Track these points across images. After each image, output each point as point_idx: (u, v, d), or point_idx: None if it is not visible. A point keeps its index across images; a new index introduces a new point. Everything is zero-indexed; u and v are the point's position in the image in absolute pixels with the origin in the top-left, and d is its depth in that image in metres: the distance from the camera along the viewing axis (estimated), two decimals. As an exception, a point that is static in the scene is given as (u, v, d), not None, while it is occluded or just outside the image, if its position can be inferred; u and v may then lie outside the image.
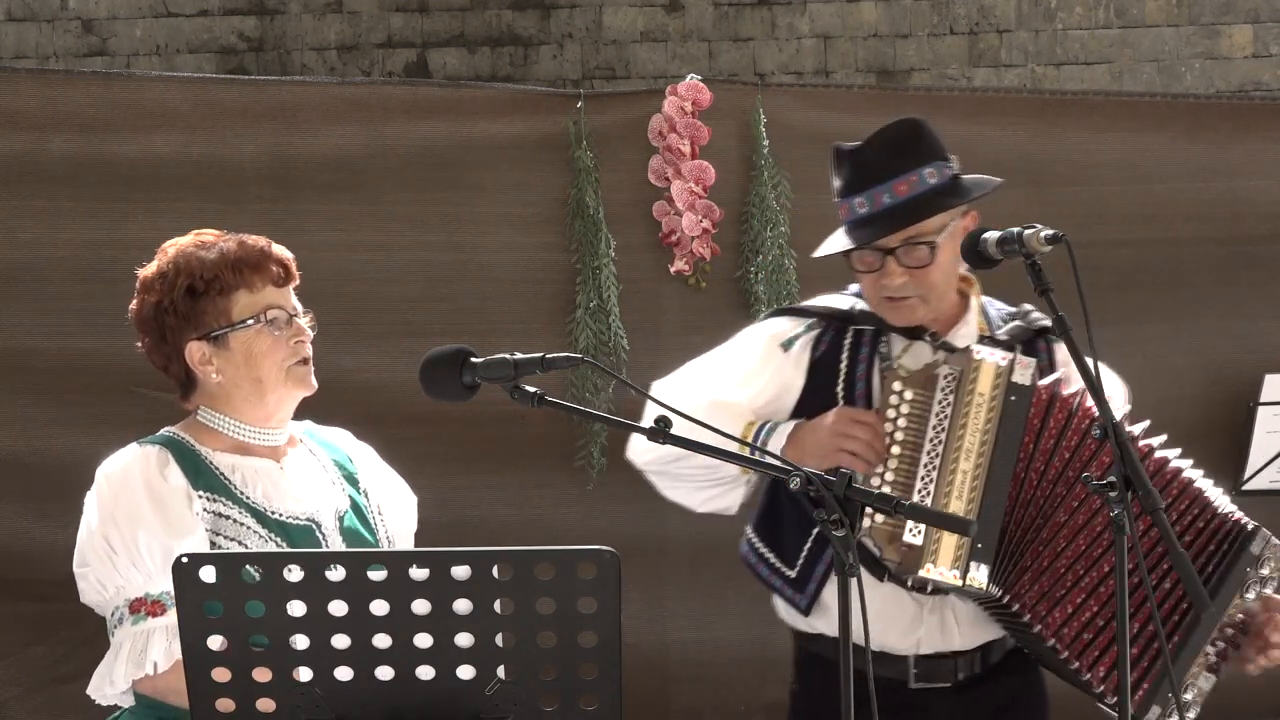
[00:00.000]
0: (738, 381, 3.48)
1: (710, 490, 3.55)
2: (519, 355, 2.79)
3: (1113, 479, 3.01)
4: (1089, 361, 3.08)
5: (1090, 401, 3.37)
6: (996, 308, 3.60)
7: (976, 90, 6.36)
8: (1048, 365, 3.51)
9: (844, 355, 3.49)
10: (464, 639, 2.48)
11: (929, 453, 3.32)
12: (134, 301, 3.12)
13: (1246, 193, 5.33)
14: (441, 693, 2.49)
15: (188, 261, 3.07)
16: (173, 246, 3.12)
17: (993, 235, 3.29)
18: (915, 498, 3.31)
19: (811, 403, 3.46)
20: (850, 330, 3.50)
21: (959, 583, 3.29)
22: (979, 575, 3.28)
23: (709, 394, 3.45)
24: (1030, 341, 3.52)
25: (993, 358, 3.34)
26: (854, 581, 2.62)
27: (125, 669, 2.91)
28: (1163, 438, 3.45)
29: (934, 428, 3.33)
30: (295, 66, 6.89)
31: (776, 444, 3.41)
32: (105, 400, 4.78)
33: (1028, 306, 3.61)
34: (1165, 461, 3.39)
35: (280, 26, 6.93)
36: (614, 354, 5.02)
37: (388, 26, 6.96)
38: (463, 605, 2.46)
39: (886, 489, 3.31)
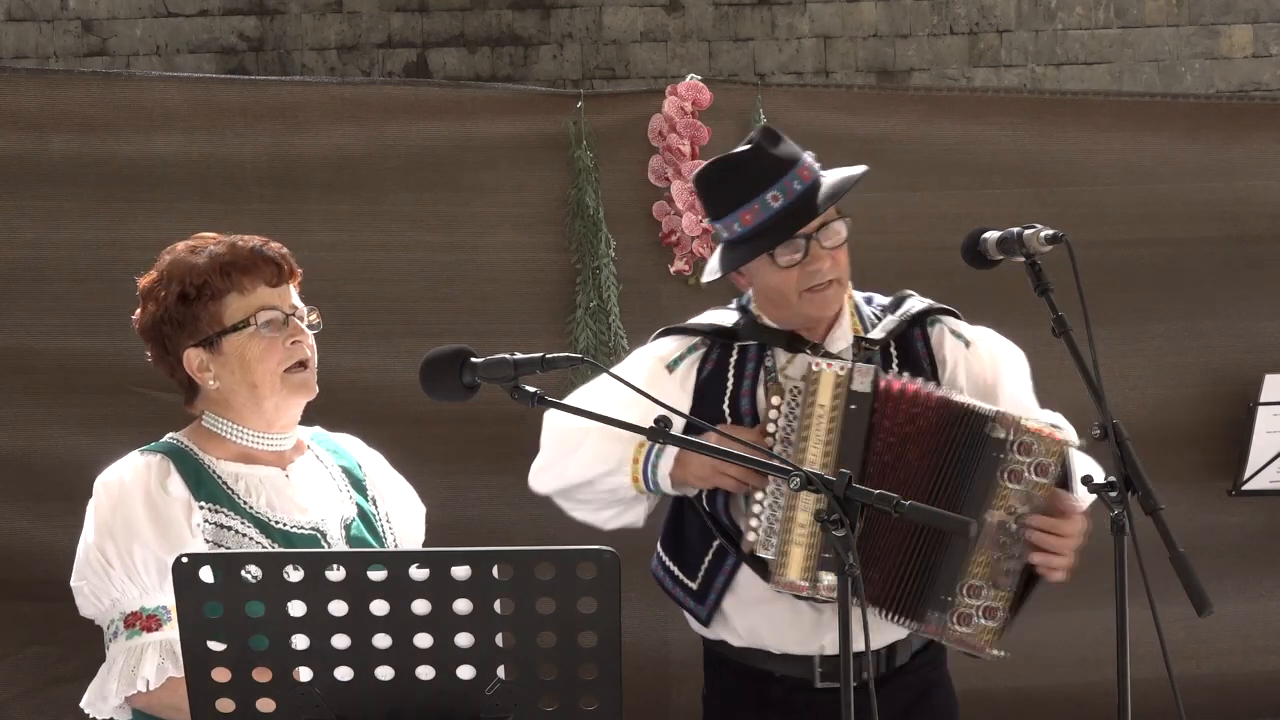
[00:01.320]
0: (625, 404, 3.29)
1: (611, 509, 3.56)
2: (519, 355, 2.79)
3: (1113, 479, 3.01)
4: (1089, 362, 3.08)
5: (916, 384, 3.36)
6: (874, 302, 3.60)
7: (976, 90, 6.35)
8: (924, 352, 3.51)
9: (730, 372, 3.50)
10: (464, 639, 2.48)
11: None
12: (136, 312, 3.09)
13: (1246, 193, 5.33)
14: (441, 693, 2.49)
15: (179, 268, 3.03)
16: (169, 253, 3.08)
17: (993, 235, 3.30)
18: (768, 503, 3.33)
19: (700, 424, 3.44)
20: (735, 347, 3.51)
21: (810, 591, 3.33)
22: (827, 582, 3.30)
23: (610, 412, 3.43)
24: (904, 334, 3.52)
25: (831, 368, 3.34)
26: (851, 582, 2.62)
27: (117, 685, 2.89)
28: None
29: (780, 440, 3.34)
30: (295, 66, 6.89)
31: (665, 465, 3.41)
32: (105, 400, 4.78)
33: (906, 293, 3.61)
34: (904, 382, 3.37)
35: (280, 26, 6.93)
36: (614, 354, 5.01)
37: (388, 26, 6.96)
38: (463, 605, 2.46)
39: (768, 500, 3.34)
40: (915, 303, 3.55)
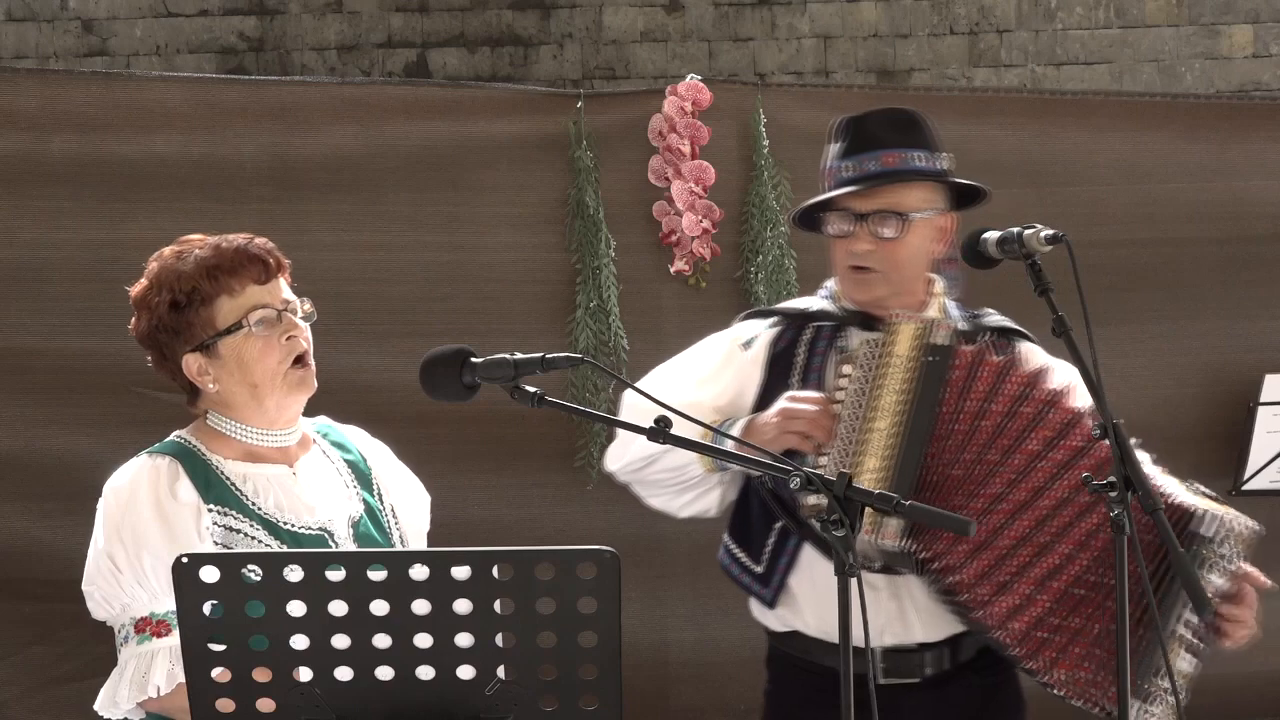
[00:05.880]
0: (699, 381, 3.52)
1: (686, 495, 3.58)
2: (519, 355, 2.79)
3: (1113, 479, 3.01)
4: (1089, 363, 3.07)
5: (1028, 369, 3.35)
6: (959, 309, 3.61)
7: (976, 90, 6.36)
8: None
9: (801, 349, 3.52)
10: (464, 639, 2.48)
11: (849, 416, 3.32)
12: (132, 320, 3.09)
13: (1246, 193, 5.33)
14: (441, 693, 2.49)
15: (167, 275, 3.02)
16: (156, 260, 3.07)
17: (993, 235, 3.29)
18: (833, 459, 3.30)
19: (770, 398, 3.47)
20: (810, 326, 3.54)
21: (872, 538, 3.25)
22: (891, 531, 3.24)
23: (676, 397, 3.44)
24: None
25: (911, 320, 3.35)
26: (854, 581, 2.62)
27: (128, 691, 2.89)
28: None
29: (855, 393, 3.34)
30: (295, 66, 6.90)
31: (728, 438, 3.43)
32: (105, 400, 4.78)
33: (989, 310, 3.62)
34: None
35: (280, 26, 6.93)
36: (614, 354, 5.01)
37: (388, 26, 6.96)
38: (463, 605, 2.46)
39: (829, 464, 3.32)
40: (997, 317, 3.56)
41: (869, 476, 3.26)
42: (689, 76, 5.14)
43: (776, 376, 3.50)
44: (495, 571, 2.46)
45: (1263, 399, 5.14)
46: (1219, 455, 5.22)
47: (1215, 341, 5.29)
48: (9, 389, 4.85)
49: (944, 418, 3.31)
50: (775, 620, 3.57)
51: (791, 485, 2.68)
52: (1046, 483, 3.29)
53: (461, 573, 2.45)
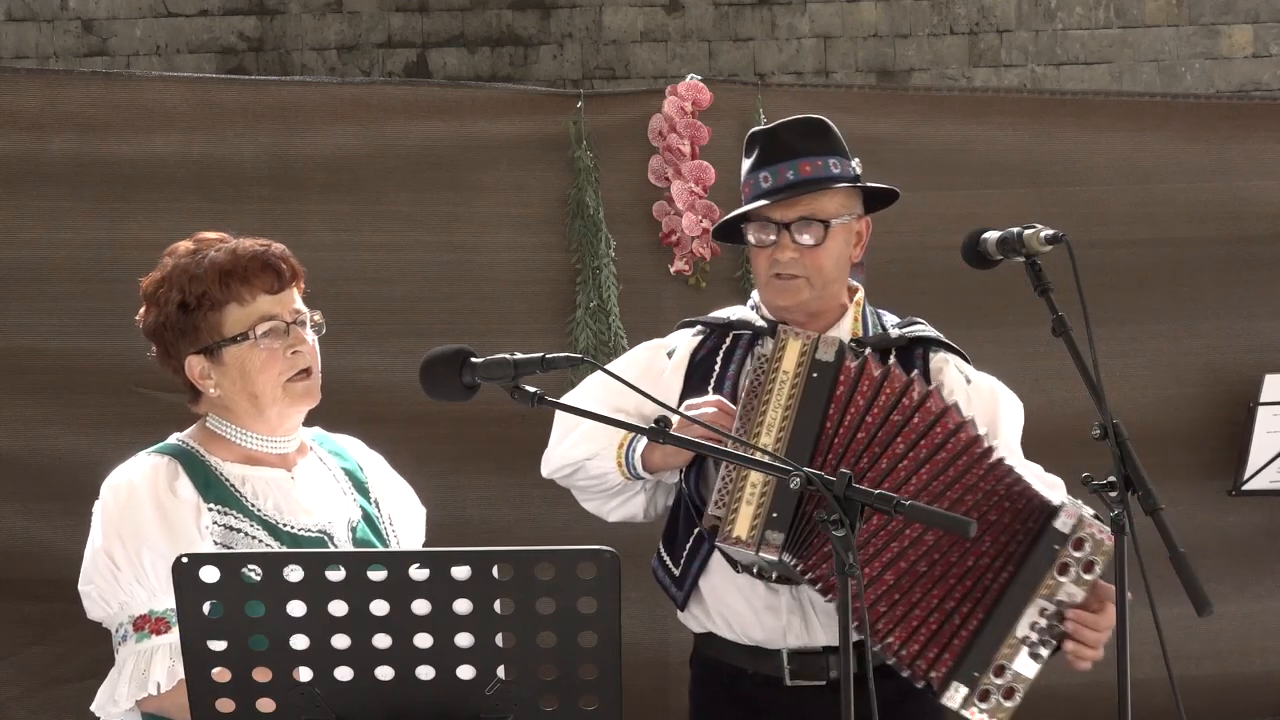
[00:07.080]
0: (619, 393, 3.47)
1: (612, 500, 3.64)
2: (519, 355, 2.80)
3: (1113, 479, 3.01)
4: (1089, 363, 3.07)
5: (903, 377, 3.36)
6: (885, 318, 3.62)
7: (976, 90, 6.36)
8: (920, 374, 3.51)
9: (719, 358, 3.56)
10: (464, 639, 2.48)
11: (737, 430, 3.34)
12: (141, 311, 3.07)
13: (1246, 193, 5.33)
14: (441, 693, 2.49)
15: (179, 275, 3.00)
16: (170, 255, 3.05)
17: (993, 235, 3.29)
18: (720, 473, 3.33)
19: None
20: (731, 335, 3.58)
21: (753, 551, 3.29)
22: (773, 544, 3.27)
23: (602, 403, 3.49)
24: (906, 349, 3.54)
25: (799, 337, 3.37)
26: (851, 582, 2.62)
27: (128, 689, 2.87)
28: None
29: (744, 405, 3.36)
30: (295, 66, 6.90)
31: (640, 447, 3.48)
32: (105, 400, 4.78)
33: (918, 320, 3.63)
34: (979, 440, 3.33)
35: (280, 26, 6.93)
36: (614, 354, 5.01)
37: (388, 26, 6.97)
38: (463, 605, 2.46)
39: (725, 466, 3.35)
40: (925, 329, 3.58)
41: (751, 491, 3.30)
42: (689, 76, 5.14)
43: (694, 386, 3.54)
44: (495, 571, 2.46)
45: (1263, 399, 5.14)
46: (1219, 455, 5.22)
47: (1215, 341, 5.29)
48: (9, 389, 4.85)
49: (825, 433, 3.33)
50: (691, 621, 3.63)
51: (792, 485, 2.69)
52: (907, 477, 3.30)
53: (461, 573, 2.45)
